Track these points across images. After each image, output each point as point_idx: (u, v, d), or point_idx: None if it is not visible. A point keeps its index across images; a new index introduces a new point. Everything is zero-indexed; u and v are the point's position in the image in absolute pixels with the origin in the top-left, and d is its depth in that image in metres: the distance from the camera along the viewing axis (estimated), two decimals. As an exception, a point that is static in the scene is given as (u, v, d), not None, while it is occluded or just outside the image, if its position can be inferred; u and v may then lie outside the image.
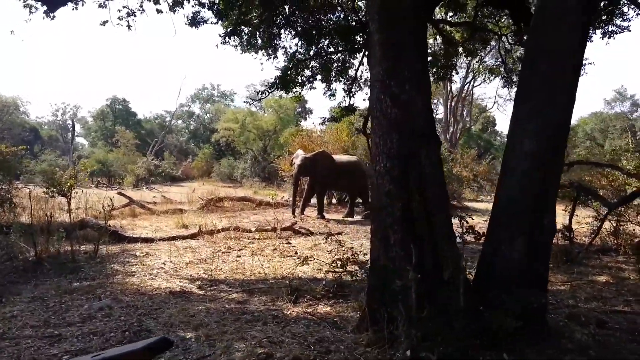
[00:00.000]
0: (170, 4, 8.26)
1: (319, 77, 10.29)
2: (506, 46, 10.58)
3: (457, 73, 21.83)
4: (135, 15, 7.90)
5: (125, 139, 35.20)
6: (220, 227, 9.39)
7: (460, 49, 11.00)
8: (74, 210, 8.07)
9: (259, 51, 9.61)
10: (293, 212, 12.74)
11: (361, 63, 10.21)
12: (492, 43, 12.24)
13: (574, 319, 4.16)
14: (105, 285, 5.45)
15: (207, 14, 8.87)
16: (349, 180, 13.48)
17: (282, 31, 9.53)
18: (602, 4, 7.76)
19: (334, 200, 17.43)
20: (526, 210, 3.67)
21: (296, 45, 9.80)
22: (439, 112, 36.79)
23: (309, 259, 6.03)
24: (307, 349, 3.49)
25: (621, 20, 8.48)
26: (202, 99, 54.70)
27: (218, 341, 3.66)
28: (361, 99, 38.25)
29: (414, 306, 3.32)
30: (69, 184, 7.49)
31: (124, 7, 7.79)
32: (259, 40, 9.46)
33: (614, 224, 7.98)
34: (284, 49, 9.78)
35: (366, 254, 5.39)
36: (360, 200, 14.21)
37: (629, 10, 8.29)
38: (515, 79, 11.77)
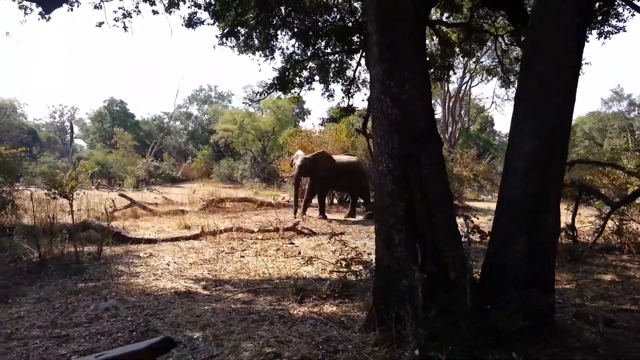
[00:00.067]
0: (166, 5, 8.28)
1: (316, 77, 10.31)
2: (502, 46, 10.62)
3: (455, 73, 21.96)
4: (131, 17, 7.92)
5: (124, 140, 35.15)
6: (222, 227, 9.39)
7: (457, 50, 11.03)
8: (75, 211, 8.07)
9: (256, 52, 9.63)
10: (295, 213, 12.73)
11: (359, 64, 10.23)
12: (489, 43, 12.30)
13: (581, 318, 4.16)
14: (110, 286, 5.46)
15: (203, 15, 8.87)
16: (349, 180, 13.50)
17: (279, 32, 9.54)
18: (598, 4, 7.81)
19: (335, 201, 17.44)
20: (528, 210, 3.68)
21: (293, 46, 9.84)
22: (437, 112, 36.86)
23: (314, 259, 6.03)
24: (314, 349, 3.49)
25: (616, 21, 8.57)
26: (199, 100, 54.71)
27: (225, 341, 3.67)
28: (360, 100, 38.35)
29: (420, 306, 3.33)
30: (70, 185, 7.49)
31: (119, 8, 7.81)
32: (256, 41, 9.47)
33: (617, 223, 8.00)
34: (281, 50, 9.81)
35: (370, 254, 5.39)
36: (362, 201, 14.21)
37: (624, 11, 8.36)
38: (512, 79, 11.82)
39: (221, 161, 36.13)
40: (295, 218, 11.86)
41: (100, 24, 7.64)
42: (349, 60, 10.38)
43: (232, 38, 9.15)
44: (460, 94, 35.28)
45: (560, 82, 3.66)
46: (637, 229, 8.09)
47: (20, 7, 7.13)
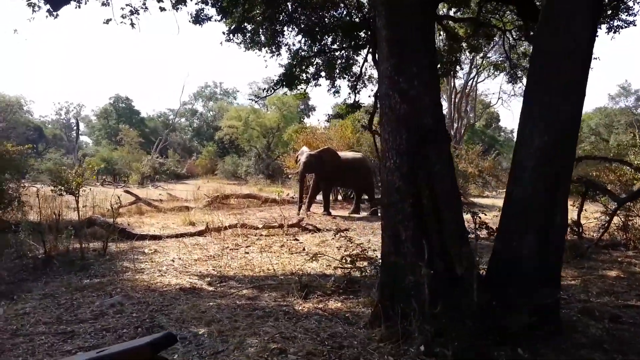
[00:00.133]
0: (174, 2, 8.25)
1: (323, 74, 10.30)
2: (510, 41, 10.55)
3: (462, 69, 21.85)
4: (138, 13, 7.89)
5: (129, 137, 35.29)
6: (227, 224, 9.40)
7: (464, 45, 10.97)
8: (81, 208, 8.09)
9: (263, 48, 9.62)
10: (299, 210, 12.73)
11: (365, 60, 10.21)
12: (496, 39, 12.21)
13: (586, 314, 4.14)
14: (115, 282, 5.47)
15: (210, 11, 8.88)
16: (355, 176, 13.48)
17: (285, 28, 9.54)
18: (608, -1, 7.74)
19: (339, 197, 17.43)
20: (536, 207, 3.65)
21: (299, 42, 9.83)
22: (443, 108, 36.65)
23: (318, 255, 6.01)
24: (320, 345, 3.49)
25: (626, 15, 8.44)
26: (204, 96, 54.80)
27: (231, 337, 3.67)
28: (366, 96, 38.25)
29: (427, 302, 3.32)
30: (76, 182, 7.51)
31: (127, 5, 7.78)
32: (262, 38, 9.47)
33: (622, 219, 7.94)
34: (287, 46, 9.80)
35: (375, 250, 5.39)
36: (366, 197, 14.18)
37: (634, 4, 8.26)
38: (520, 75, 11.76)
39: (226, 158, 36.20)
40: (299, 214, 11.85)
41: (107, 21, 7.63)
42: (355, 56, 10.36)
43: (239, 34, 9.15)
44: (467, 90, 35.11)
45: (570, 78, 3.62)
46: (644, 225, 8.04)
47: (28, 5, 7.12)
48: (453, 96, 34.20)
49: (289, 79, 9.68)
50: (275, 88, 10.00)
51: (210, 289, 5.35)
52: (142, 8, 7.88)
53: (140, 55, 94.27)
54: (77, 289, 5.19)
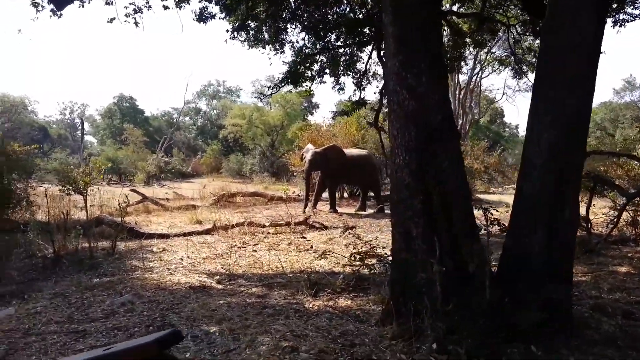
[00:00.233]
0: (177, 0, 8.25)
1: (327, 71, 10.27)
2: (515, 36, 10.50)
3: (466, 64, 21.77)
4: (142, 12, 7.90)
5: (134, 136, 35.33)
6: (234, 222, 9.41)
7: (469, 40, 10.93)
8: (88, 207, 8.12)
9: (266, 46, 9.61)
10: (305, 207, 12.72)
11: (370, 56, 10.19)
12: (499, 34, 12.16)
13: (598, 310, 4.12)
14: (125, 281, 5.49)
15: (214, 9, 8.87)
16: (360, 173, 13.46)
17: (289, 25, 9.52)
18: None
19: (345, 194, 17.42)
20: (546, 203, 3.62)
21: (303, 39, 9.80)
22: (448, 104, 36.46)
23: (327, 252, 6.01)
24: (331, 343, 3.49)
25: (632, 8, 8.36)
26: (208, 95, 54.77)
27: (242, 335, 3.67)
28: (372, 93, 38.08)
29: (439, 299, 3.31)
30: (84, 181, 7.54)
31: (130, 3, 7.79)
32: (266, 35, 9.46)
33: (631, 214, 7.89)
34: (290, 44, 9.78)
35: (384, 248, 5.38)
36: (372, 194, 14.17)
37: (641, -3, 8.18)
38: (525, 69, 11.71)
39: (230, 156, 36.22)
40: (305, 212, 11.85)
41: (111, 20, 7.65)
42: (359, 53, 10.33)
43: (243, 32, 9.14)
44: (471, 86, 34.94)
45: (576, 71, 3.59)
46: (653, 220, 7.98)
47: (32, 4, 7.14)
48: (457, 92, 34.04)
49: (294, 76, 9.67)
50: (280, 86, 9.99)
51: (220, 287, 5.36)
52: (145, 7, 7.89)
53: (143, 54, 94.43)
54: (87, 288, 5.21)
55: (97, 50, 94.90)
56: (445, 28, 11.17)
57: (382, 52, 9.20)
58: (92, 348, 3.54)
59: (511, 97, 64.16)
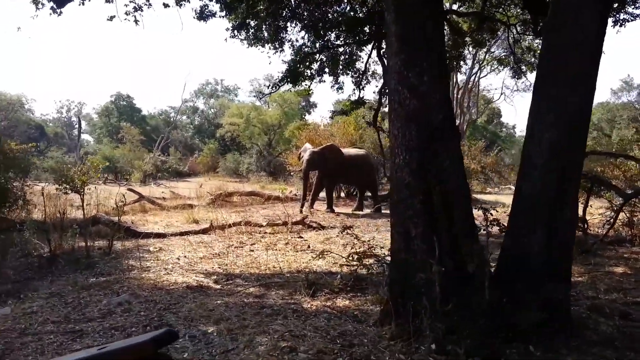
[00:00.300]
0: (177, -2, 8.23)
1: (327, 70, 10.26)
2: (514, 36, 10.50)
3: (466, 64, 21.79)
4: (142, 10, 7.87)
5: (131, 135, 35.21)
6: (231, 221, 9.39)
7: (468, 40, 10.92)
8: (85, 206, 8.09)
9: (266, 45, 9.58)
10: (302, 207, 12.70)
11: (369, 56, 10.17)
12: (499, 33, 12.16)
13: (596, 311, 4.12)
14: (121, 281, 5.46)
15: (214, 7, 8.86)
16: (358, 173, 13.45)
17: (288, 24, 9.50)
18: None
19: (342, 194, 17.40)
20: (546, 202, 3.62)
21: (303, 38, 9.78)
22: (447, 104, 36.42)
23: (325, 252, 5.99)
24: (330, 343, 3.47)
25: (633, 8, 8.36)
26: (205, 94, 54.66)
27: (240, 335, 3.65)
28: (371, 92, 38.04)
29: (438, 299, 3.30)
30: (81, 180, 7.50)
31: (130, 1, 7.76)
32: (265, 34, 9.43)
33: (628, 215, 7.91)
34: (290, 42, 9.76)
35: (382, 248, 5.37)
36: (369, 194, 14.16)
37: (642, -3, 8.18)
38: (524, 69, 11.71)
39: (227, 155, 36.12)
40: (302, 212, 11.83)
41: (111, 18, 7.61)
42: (358, 52, 10.32)
43: (243, 31, 9.13)
44: (469, 85, 34.98)
45: (578, 70, 3.59)
46: (649, 220, 8.00)
47: (32, 2, 7.11)
48: (456, 92, 34.08)
49: (294, 75, 9.65)
50: (280, 85, 9.96)
51: (217, 287, 5.34)
52: (145, 5, 7.86)
53: (140, 53, 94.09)
54: (83, 287, 5.19)
55: (95, 48, 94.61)
56: (445, 27, 11.19)
57: (382, 51, 9.20)
58: (89, 348, 3.53)
59: (509, 97, 64.21)
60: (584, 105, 3.67)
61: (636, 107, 39.50)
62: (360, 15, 9.38)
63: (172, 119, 48.58)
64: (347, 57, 10.26)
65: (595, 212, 8.77)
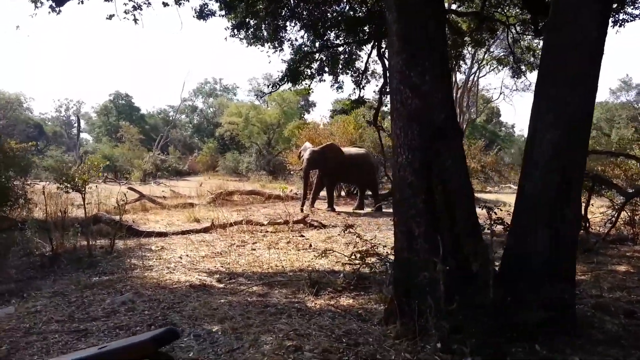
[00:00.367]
0: (176, -3, 8.22)
1: (326, 69, 10.25)
2: (514, 35, 10.51)
3: (465, 63, 21.79)
4: (141, 9, 7.87)
5: (130, 134, 35.21)
6: (232, 220, 9.39)
7: (468, 39, 10.92)
8: (86, 205, 8.07)
9: (265, 44, 9.57)
10: (303, 206, 12.70)
11: (369, 55, 10.17)
12: (497, 33, 12.17)
13: (600, 309, 4.12)
14: (124, 280, 5.46)
15: (214, 6, 8.85)
16: (358, 172, 13.46)
17: (288, 23, 9.49)
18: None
19: (342, 193, 17.41)
20: (548, 202, 3.62)
21: (302, 37, 9.78)
22: (447, 103, 36.43)
23: (328, 251, 5.99)
24: (335, 342, 3.48)
25: (632, 8, 8.36)
26: (204, 93, 54.64)
27: (245, 334, 3.65)
28: (371, 91, 38.01)
29: (442, 298, 3.30)
30: (82, 179, 7.48)
31: (129, 0, 7.75)
32: (265, 33, 9.42)
33: (629, 214, 7.92)
34: (289, 42, 9.75)
35: (384, 246, 5.38)
36: (370, 193, 14.17)
37: (641, -3, 8.18)
38: (523, 69, 11.73)
39: (226, 154, 36.13)
40: (303, 211, 11.83)
41: (110, 17, 7.60)
42: (358, 52, 10.31)
43: (242, 30, 9.12)
44: (468, 85, 34.98)
45: (578, 70, 3.59)
46: (651, 219, 8.01)
47: (31, 0, 7.09)
48: (455, 91, 34.07)
49: (294, 74, 9.64)
50: (279, 84, 9.95)
51: (220, 285, 5.34)
52: (145, 3, 7.85)
53: (139, 52, 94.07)
54: (86, 286, 5.18)
55: (94, 47, 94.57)
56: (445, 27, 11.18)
57: (381, 51, 9.21)
58: (94, 347, 3.53)
59: (508, 97, 64.27)
60: (584, 106, 3.66)
61: (635, 106, 39.58)
62: (360, 14, 9.37)
63: (171, 118, 48.56)
64: (346, 56, 10.25)
65: (597, 211, 8.78)
